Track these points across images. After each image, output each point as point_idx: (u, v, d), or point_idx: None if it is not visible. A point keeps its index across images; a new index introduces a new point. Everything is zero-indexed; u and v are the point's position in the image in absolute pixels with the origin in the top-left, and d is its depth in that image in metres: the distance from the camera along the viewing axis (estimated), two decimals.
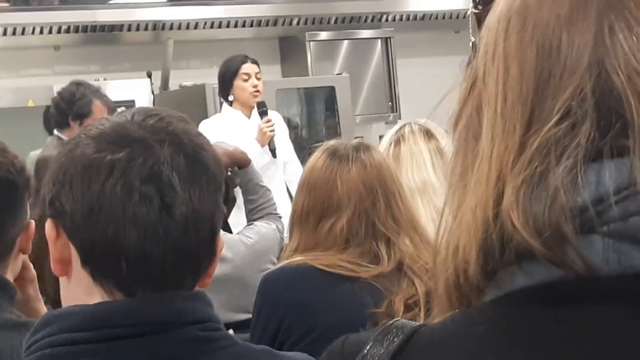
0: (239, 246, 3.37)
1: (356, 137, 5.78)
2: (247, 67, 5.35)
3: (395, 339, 0.85)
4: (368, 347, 0.85)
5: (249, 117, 5.38)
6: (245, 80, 5.33)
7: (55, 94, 5.21)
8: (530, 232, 0.76)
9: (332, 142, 2.50)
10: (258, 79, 5.37)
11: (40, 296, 2.00)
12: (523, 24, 0.82)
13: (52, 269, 1.32)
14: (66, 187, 1.27)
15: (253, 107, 5.38)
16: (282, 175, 5.49)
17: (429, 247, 2.32)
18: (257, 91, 5.34)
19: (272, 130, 5.27)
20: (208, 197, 1.28)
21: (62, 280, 1.32)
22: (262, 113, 5.34)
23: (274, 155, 5.33)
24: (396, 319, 0.88)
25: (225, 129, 5.09)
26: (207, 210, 1.28)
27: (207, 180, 1.28)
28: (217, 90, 5.71)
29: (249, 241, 3.40)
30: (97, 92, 5.17)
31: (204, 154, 1.30)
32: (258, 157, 5.19)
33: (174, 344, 1.25)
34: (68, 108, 5.05)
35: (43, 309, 1.99)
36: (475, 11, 1.52)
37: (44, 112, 5.22)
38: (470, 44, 1.54)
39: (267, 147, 5.29)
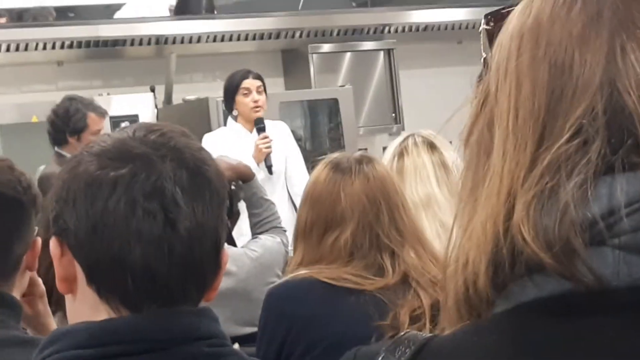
0: (244, 260, 3.37)
1: (360, 149, 5.80)
2: (248, 83, 5.37)
3: (407, 350, 0.85)
4: (380, 359, 0.86)
5: (250, 132, 5.39)
6: (246, 95, 5.36)
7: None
8: (541, 246, 0.77)
9: (334, 155, 2.50)
10: (259, 93, 5.39)
11: (50, 311, 2.01)
12: (536, 41, 0.83)
13: (58, 287, 1.32)
14: (69, 204, 1.27)
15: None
16: (281, 191, 5.48)
17: (434, 259, 2.33)
18: (258, 106, 5.36)
19: (269, 147, 5.29)
20: (211, 211, 1.28)
21: (68, 298, 1.32)
22: (259, 129, 5.36)
23: (270, 172, 5.35)
24: (407, 330, 0.89)
25: (227, 144, 5.11)
26: (211, 225, 1.28)
27: (210, 194, 1.28)
28: (220, 104, 5.72)
29: (253, 254, 3.40)
30: (91, 105, 5.18)
31: (207, 168, 1.30)
32: None
33: None
34: (64, 125, 5.06)
35: (52, 324, 1.99)
36: (487, 28, 1.53)
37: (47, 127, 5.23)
38: (482, 60, 1.55)
39: (263, 164, 5.30)
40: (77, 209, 1.26)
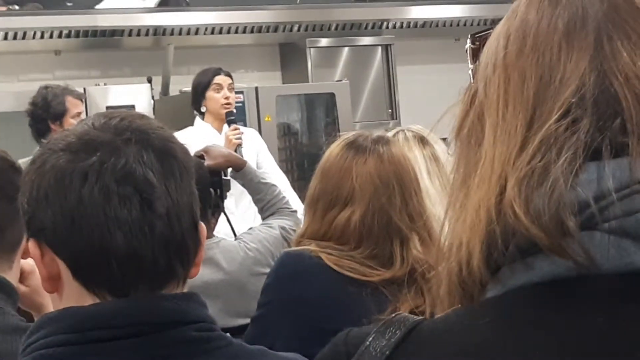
0: (238, 253, 3.36)
1: None
2: (220, 79, 5.41)
3: (397, 331, 0.86)
4: (370, 339, 0.87)
5: (219, 132, 5.42)
6: (217, 91, 5.39)
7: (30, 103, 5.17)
8: (532, 221, 0.78)
9: (352, 133, 2.48)
10: (230, 90, 5.42)
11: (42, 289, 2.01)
12: (523, 37, 0.85)
13: (43, 288, 1.32)
14: (42, 203, 1.26)
15: (224, 120, 5.42)
16: None
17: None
18: (228, 103, 5.39)
19: (239, 138, 5.31)
20: (183, 188, 1.29)
21: (54, 297, 1.32)
22: (230, 122, 5.38)
23: None
24: (398, 312, 0.89)
25: (197, 142, 5.14)
26: (185, 201, 1.29)
27: (179, 171, 1.29)
28: None
29: (247, 247, 3.40)
30: (66, 89, 5.19)
31: (172, 145, 1.31)
32: None
33: (169, 345, 1.25)
34: (45, 112, 5.07)
35: (49, 302, 1.99)
36: (473, 47, 1.56)
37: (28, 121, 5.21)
38: (470, 72, 1.58)
39: None
40: (51, 205, 1.25)
